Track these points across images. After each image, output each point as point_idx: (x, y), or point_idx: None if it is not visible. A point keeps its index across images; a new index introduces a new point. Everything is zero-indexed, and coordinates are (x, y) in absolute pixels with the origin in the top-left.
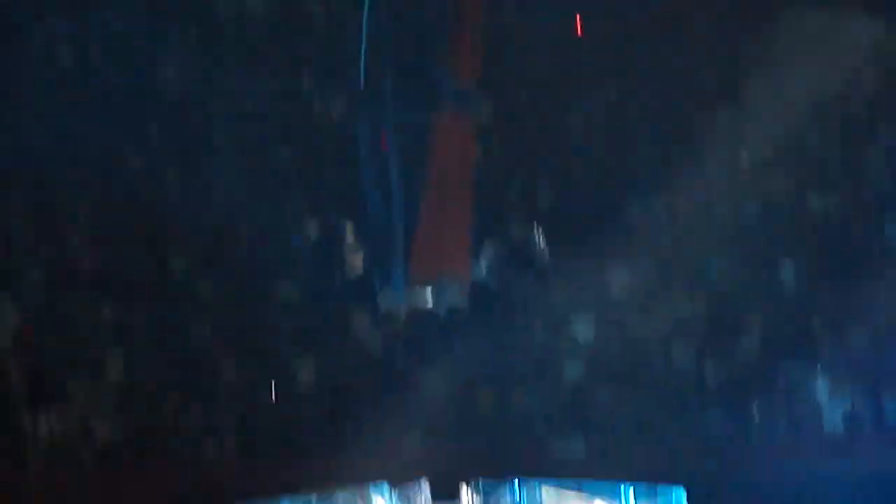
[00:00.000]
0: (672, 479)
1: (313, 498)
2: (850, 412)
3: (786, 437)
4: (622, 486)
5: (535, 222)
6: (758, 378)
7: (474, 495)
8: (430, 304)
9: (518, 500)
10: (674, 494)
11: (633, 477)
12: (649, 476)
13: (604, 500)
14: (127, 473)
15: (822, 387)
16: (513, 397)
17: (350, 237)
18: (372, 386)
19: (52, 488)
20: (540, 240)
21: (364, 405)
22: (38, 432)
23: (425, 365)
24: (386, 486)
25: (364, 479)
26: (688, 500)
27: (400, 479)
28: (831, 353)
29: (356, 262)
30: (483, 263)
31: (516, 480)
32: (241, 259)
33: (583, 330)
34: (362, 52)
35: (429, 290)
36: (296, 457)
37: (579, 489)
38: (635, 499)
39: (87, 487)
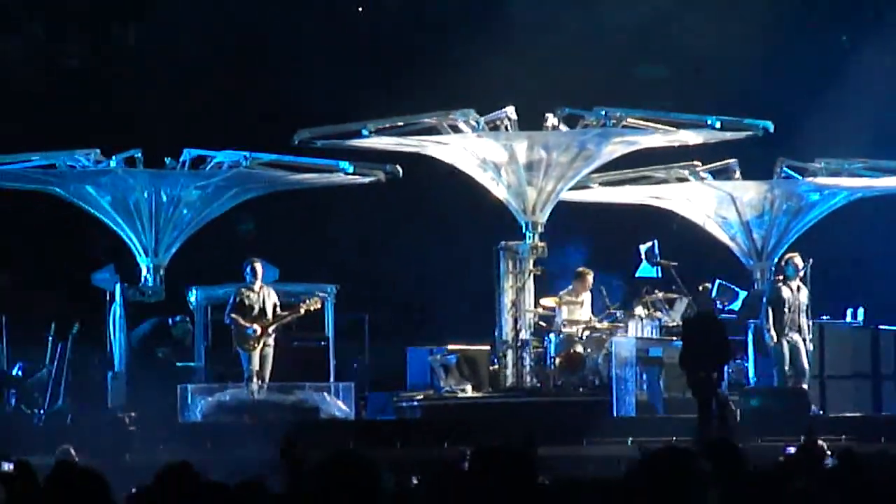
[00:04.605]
0: (759, 109)
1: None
2: None
3: (874, 67)
4: (708, 118)
5: None
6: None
7: (560, 122)
8: None
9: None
10: (760, 126)
11: (719, 105)
12: (735, 105)
13: (690, 130)
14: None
15: None
16: (598, 20)
17: None
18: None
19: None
20: None
21: (452, 30)
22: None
23: None
24: (472, 112)
25: (451, 105)
26: (775, 130)
27: (487, 106)
28: None
29: None
30: None
31: (603, 110)
32: None
33: None
34: None
35: None
36: (384, 76)
37: (666, 116)
38: (721, 129)
39: None
